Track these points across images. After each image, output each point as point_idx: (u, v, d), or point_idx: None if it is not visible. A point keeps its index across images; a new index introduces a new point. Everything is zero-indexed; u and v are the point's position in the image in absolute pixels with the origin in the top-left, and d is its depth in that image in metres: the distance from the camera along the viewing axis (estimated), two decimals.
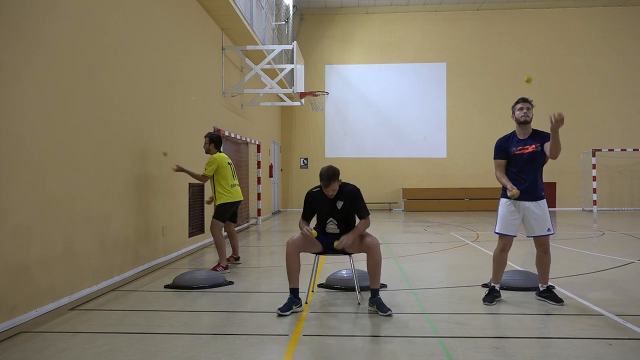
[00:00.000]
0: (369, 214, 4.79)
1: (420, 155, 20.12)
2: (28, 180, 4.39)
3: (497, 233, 4.89)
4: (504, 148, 4.86)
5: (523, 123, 4.77)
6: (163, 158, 7.12)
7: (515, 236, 4.85)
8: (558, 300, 4.74)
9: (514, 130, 4.90)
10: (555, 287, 5.32)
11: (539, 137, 4.77)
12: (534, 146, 4.73)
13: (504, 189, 4.83)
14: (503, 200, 4.88)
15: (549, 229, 4.76)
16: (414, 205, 19.52)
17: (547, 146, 4.67)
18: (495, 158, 4.93)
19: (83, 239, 5.28)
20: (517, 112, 4.80)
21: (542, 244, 4.82)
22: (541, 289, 4.92)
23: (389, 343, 3.75)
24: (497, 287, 4.93)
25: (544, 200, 4.81)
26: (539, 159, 4.75)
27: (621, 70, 19.57)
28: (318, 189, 4.79)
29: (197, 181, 7.38)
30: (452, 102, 20.07)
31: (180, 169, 6.75)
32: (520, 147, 4.76)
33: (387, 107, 20.15)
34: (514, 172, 4.79)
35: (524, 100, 4.82)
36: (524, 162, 4.74)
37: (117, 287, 5.73)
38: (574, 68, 19.72)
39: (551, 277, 5.93)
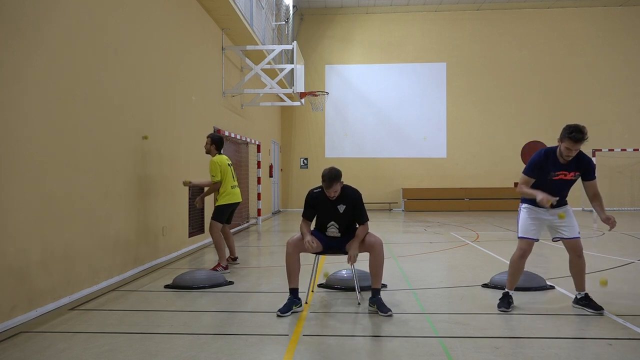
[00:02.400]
0: (368, 220, 4.82)
1: (420, 155, 20.10)
2: (28, 180, 4.39)
3: (520, 237, 4.64)
4: (540, 168, 4.47)
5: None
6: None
7: (537, 240, 4.63)
8: (598, 309, 4.43)
9: (556, 149, 4.46)
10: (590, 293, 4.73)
11: (581, 163, 4.45)
12: (573, 174, 4.46)
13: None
14: (524, 206, 4.66)
15: (579, 232, 4.59)
16: (414, 205, 19.51)
17: (586, 185, 4.51)
18: (526, 174, 4.53)
19: (83, 239, 5.28)
20: (564, 149, 4.34)
21: (574, 248, 4.56)
22: (578, 296, 4.63)
23: (389, 343, 3.75)
24: (510, 293, 4.72)
25: (567, 205, 4.60)
26: (573, 182, 4.54)
27: (621, 70, 19.56)
28: (320, 189, 4.78)
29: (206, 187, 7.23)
30: (452, 102, 20.06)
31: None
32: (558, 172, 4.44)
33: (387, 107, 20.14)
34: (545, 191, 4.39)
35: (577, 140, 4.24)
36: (560, 186, 4.49)
37: (117, 287, 5.73)
38: (574, 68, 19.71)
39: (551, 277, 5.94)
